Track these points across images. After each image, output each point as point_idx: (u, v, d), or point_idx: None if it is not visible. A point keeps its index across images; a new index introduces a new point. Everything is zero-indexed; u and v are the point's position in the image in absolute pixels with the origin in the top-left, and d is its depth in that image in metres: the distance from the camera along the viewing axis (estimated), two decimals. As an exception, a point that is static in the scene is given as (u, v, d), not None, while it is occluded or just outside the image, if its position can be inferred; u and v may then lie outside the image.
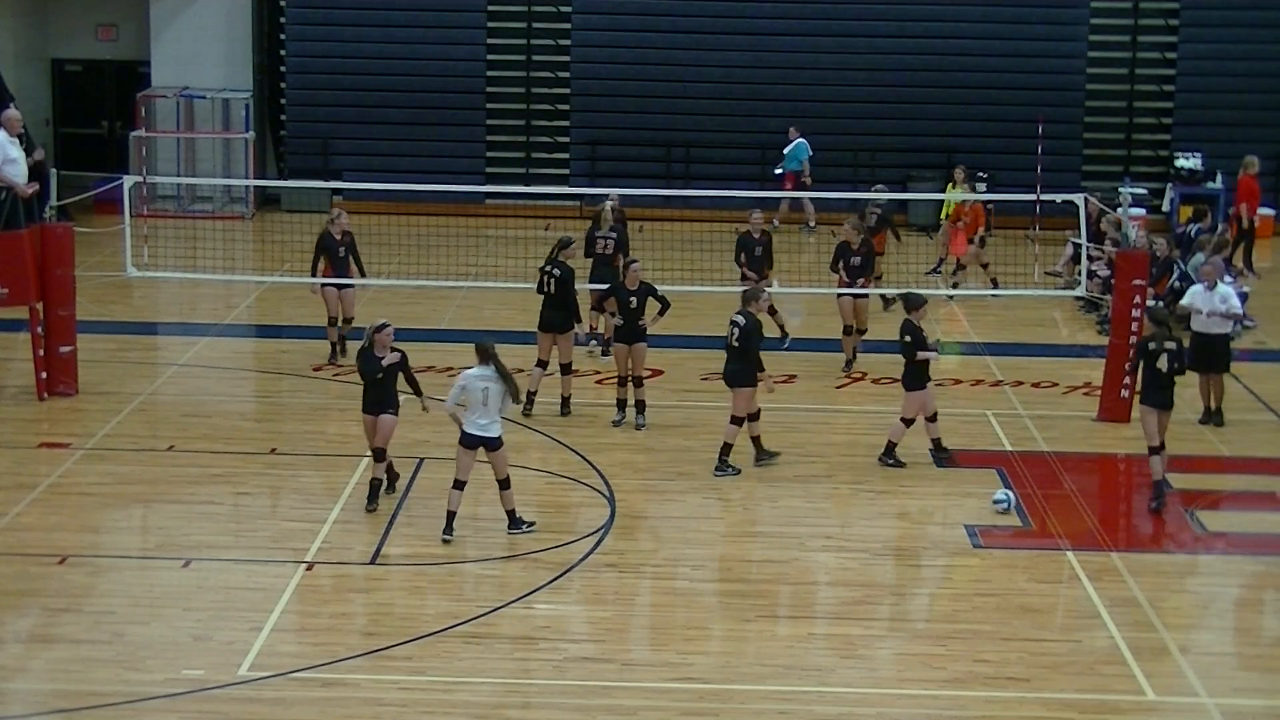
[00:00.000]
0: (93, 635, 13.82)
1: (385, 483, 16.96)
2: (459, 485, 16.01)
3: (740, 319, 18.01)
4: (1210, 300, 19.73)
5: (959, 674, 13.55)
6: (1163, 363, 17.18)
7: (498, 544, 16.03)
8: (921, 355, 18.00)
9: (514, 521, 16.20)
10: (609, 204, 22.76)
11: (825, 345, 23.02)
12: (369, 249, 26.34)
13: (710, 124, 32.51)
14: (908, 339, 18.05)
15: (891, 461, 18.23)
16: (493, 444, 15.90)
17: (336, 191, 31.11)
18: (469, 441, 15.90)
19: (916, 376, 18.09)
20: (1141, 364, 17.43)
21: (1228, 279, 24.67)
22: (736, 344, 17.93)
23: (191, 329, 23.92)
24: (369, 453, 17.00)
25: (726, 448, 18.04)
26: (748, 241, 22.84)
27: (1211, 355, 19.72)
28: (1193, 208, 29.62)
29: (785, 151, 31.13)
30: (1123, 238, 21.22)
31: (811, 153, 31.12)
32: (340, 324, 21.93)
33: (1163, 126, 32.99)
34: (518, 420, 19.64)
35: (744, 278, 22.42)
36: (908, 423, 18.19)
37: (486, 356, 15.84)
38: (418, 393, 17.01)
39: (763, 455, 18.29)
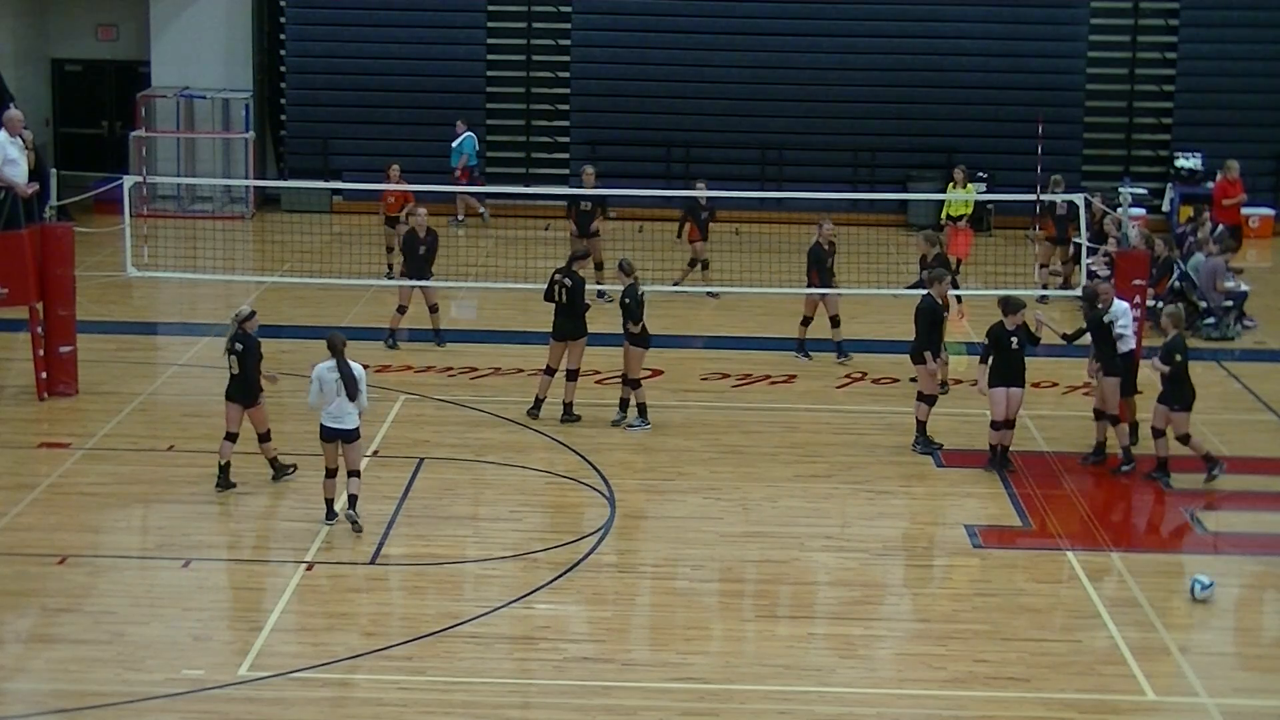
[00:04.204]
0: (93, 635, 13.82)
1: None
2: (330, 474, 16.27)
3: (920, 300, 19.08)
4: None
5: (959, 674, 13.56)
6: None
7: (498, 544, 16.04)
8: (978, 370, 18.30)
9: (352, 505, 16.28)
10: (587, 169, 26.46)
11: (825, 345, 23.01)
12: (369, 249, 26.42)
13: (710, 124, 32.51)
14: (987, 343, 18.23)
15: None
16: (349, 435, 16.14)
17: (336, 191, 31.13)
18: (325, 434, 16.17)
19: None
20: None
21: (1229, 282, 24.75)
22: (915, 324, 18.88)
23: (191, 329, 23.91)
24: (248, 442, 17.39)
25: (919, 425, 18.78)
26: (819, 253, 22.44)
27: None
28: (1191, 208, 29.67)
29: (454, 146, 30.68)
30: (1123, 238, 21.22)
31: (479, 147, 30.82)
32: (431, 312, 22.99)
33: (1163, 126, 32.98)
34: (519, 420, 19.66)
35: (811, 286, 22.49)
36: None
37: (337, 350, 16.08)
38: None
39: (921, 440, 18.86)
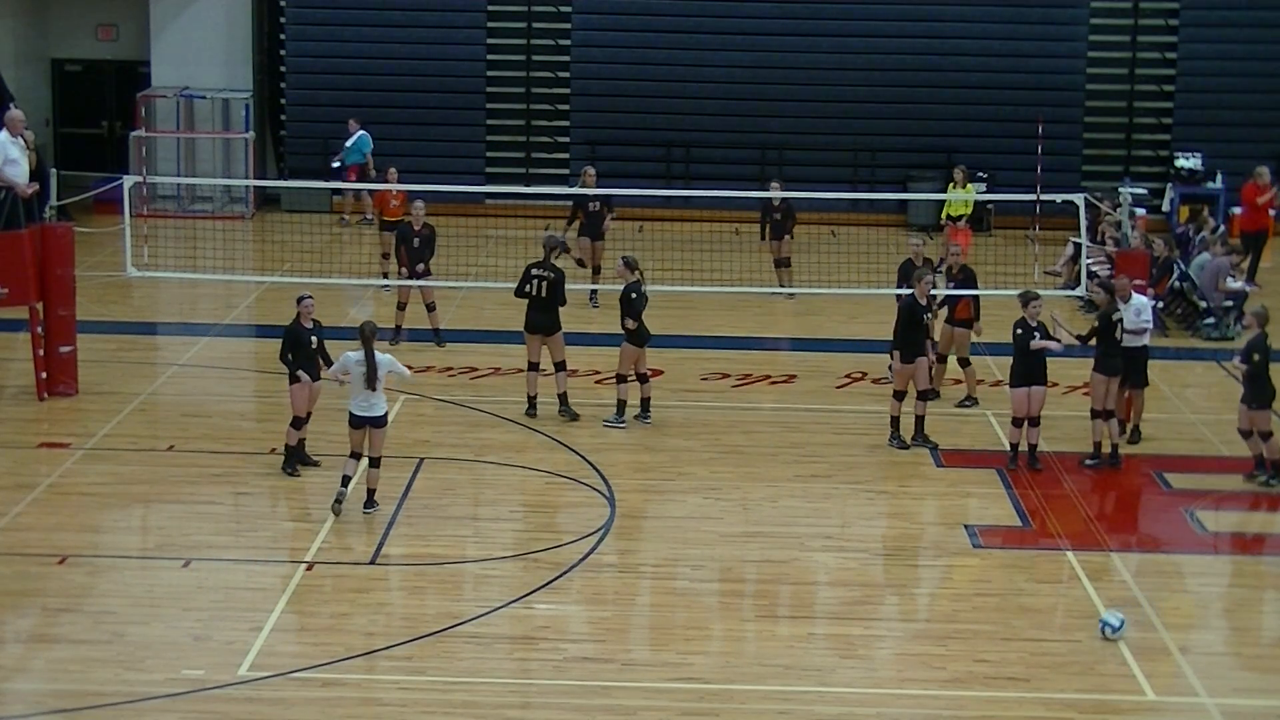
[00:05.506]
0: (93, 635, 13.82)
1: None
2: (355, 456, 16.59)
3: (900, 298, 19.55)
4: (1126, 314, 18.93)
5: (959, 674, 13.56)
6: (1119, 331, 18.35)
7: (498, 544, 16.04)
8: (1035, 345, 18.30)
9: (370, 500, 16.64)
10: (589, 170, 26.23)
11: (825, 345, 23.02)
12: (367, 249, 26.42)
13: (710, 124, 32.50)
14: (1019, 332, 18.31)
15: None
16: (377, 422, 16.47)
17: (336, 191, 31.12)
18: (355, 422, 16.48)
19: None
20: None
21: (1233, 284, 24.74)
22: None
23: (191, 329, 23.91)
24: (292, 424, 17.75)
25: (892, 420, 19.01)
26: (910, 270, 21.32)
27: (1131, 370, 18.94)
28: (1189, 208, 29.65)
29: (347, 145, 30.57)
30: (1123, 238, 21.22)
31: (373, 145, 30.72)
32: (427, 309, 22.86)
33: (1163, 126, 32.97)
34: (519, 420, 19.66)
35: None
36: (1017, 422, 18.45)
37: (366, 340, 16.38)
38: (329, 363, 17.52)
39: (918, 437, 18.94)
